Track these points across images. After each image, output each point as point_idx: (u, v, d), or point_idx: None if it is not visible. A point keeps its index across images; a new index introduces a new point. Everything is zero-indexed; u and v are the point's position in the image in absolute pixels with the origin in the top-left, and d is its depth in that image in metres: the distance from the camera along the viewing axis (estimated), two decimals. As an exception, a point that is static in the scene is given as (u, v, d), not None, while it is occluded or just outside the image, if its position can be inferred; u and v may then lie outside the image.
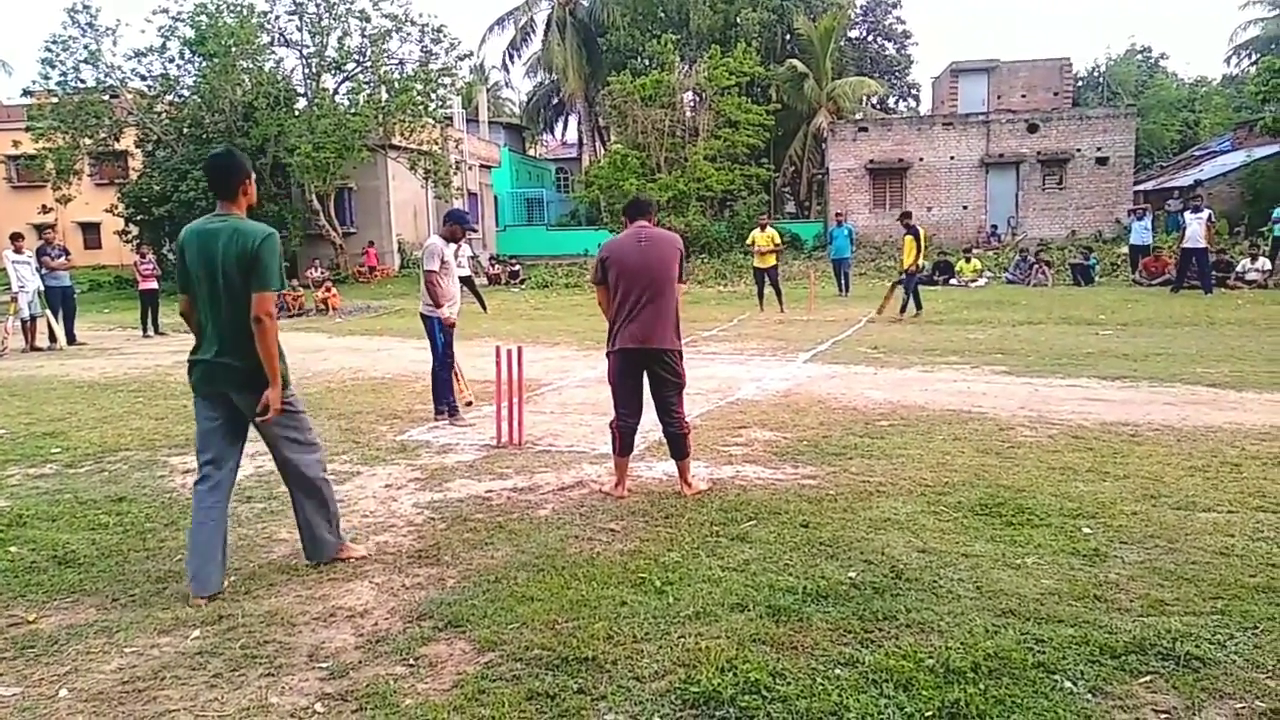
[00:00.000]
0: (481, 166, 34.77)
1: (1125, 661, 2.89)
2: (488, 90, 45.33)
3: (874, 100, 40.87)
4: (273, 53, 27.00)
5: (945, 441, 6.01)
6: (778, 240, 17.04)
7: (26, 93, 26.91)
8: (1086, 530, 4.15)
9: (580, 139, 46.82)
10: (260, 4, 26.15)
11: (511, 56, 45.04)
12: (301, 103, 27.07)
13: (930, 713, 2.61)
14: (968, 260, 22.33)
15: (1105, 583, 3.54)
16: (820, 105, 34.26)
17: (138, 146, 27.39)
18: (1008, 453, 5.67)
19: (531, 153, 50.96)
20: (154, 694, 2.88)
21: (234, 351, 3.65)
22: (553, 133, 53.68)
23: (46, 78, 25.14)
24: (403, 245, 29.94)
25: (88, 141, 25.43)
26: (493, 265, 28.70)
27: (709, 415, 7.08)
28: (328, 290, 20.63)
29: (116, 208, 26.82)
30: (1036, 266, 21.21)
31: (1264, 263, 18.18)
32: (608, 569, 3.80)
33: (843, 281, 19.43)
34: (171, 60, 26.02)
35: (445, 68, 27.44)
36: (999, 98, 32.76)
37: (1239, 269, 18.32)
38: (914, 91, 47.58)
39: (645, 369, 4.90)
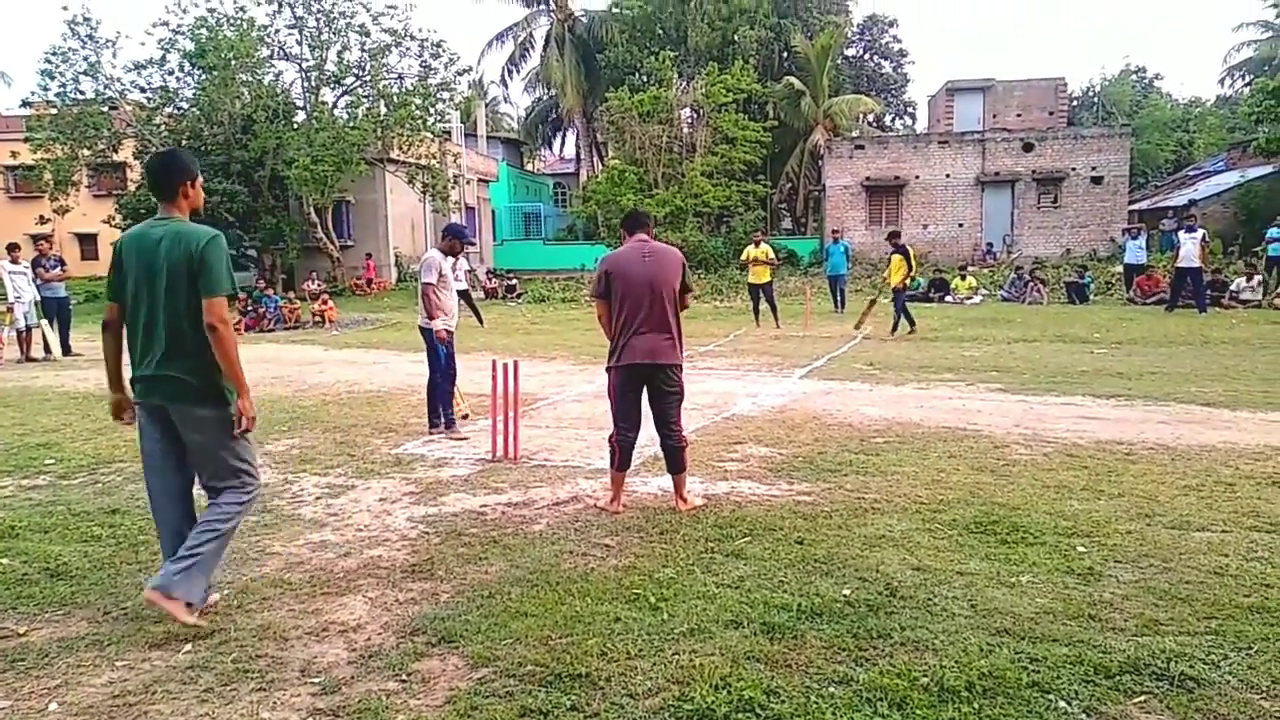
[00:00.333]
0: (479, 181, 34.87)
1: (1120, 681, 2.88)
2: (486, 105, 45.48)
3: (870, 118, 41.10)
4: (272, 66, 27.14)
5: (940, 459, 6.02)
6: (772, 256, 17.10)
7: (25, 103, 26.96)
8: (1081, 549, 4.15)
9: (578, 154, 46.97)
10: (260, 18, 26.32)
11: (510, 72, 45.23)
12: (300, 116, 27.16)
13: (924, 732, 2.61)
14: (963, 278, 22.41)
15: (1100, 602, 3.54)
16: (817, 122, 34.43)
17: (136, 158, 27.40)
18: (1003, 470, 5.67)
19: (529, 168, 51.10)
20: (145, 709, 2.87)
21: (172, 362, 3.42)
22: (551, 148, 53.85)
23: (45, 89, 25.18)
24: (400, 259, 29.98)
25: (86, 153, 25.46)
26: (490, 279, 28.73)
27: (704, 431, 7.08)
28: (324, 303, 20.63)
29: (114, 219, 26.82)
30: (1032, 284, 21.28)
31: (1259, 279, 18.29)
32: (602, 585, 3.79)
33: (838, 298, 19.47)
34: (171, 73, 26.13)
35: (444, 82, 27.57)
36: (994, 116, 32.96)
37: (1234, 288, 18.41)
38: (910, 110, 47.88)
39: (647, 383, 4.91)
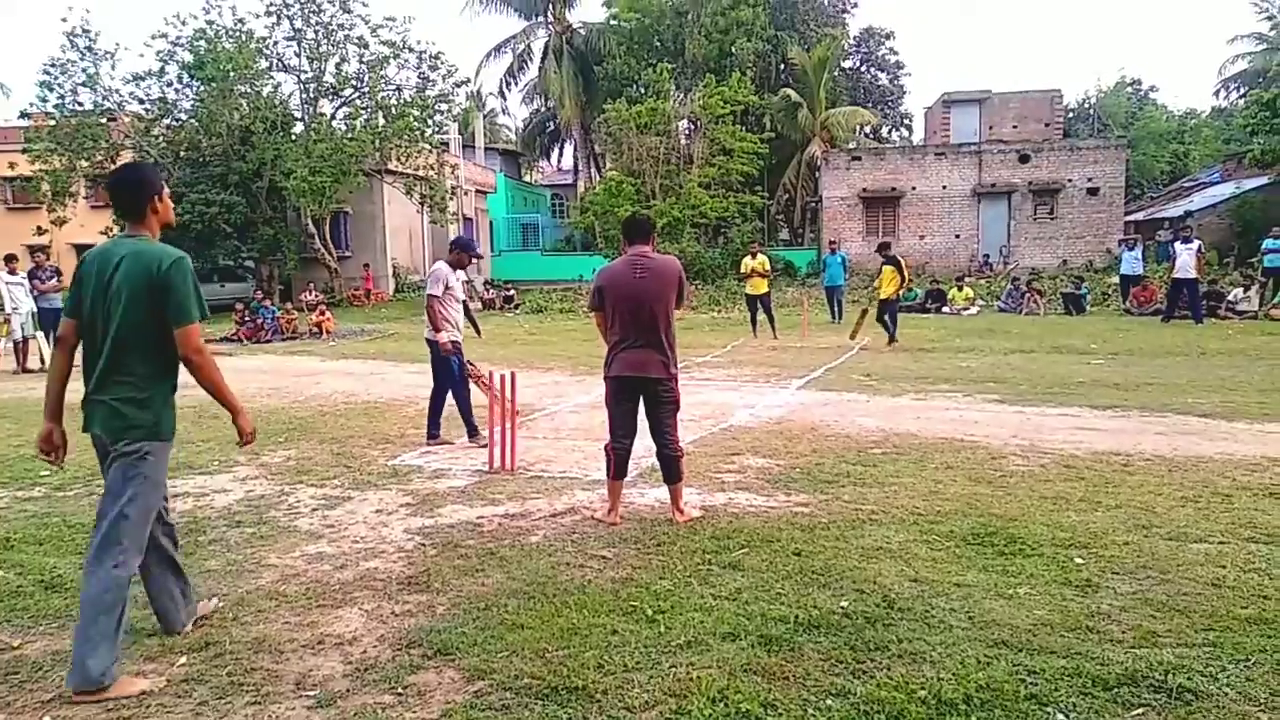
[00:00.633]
0: (477, 192, 34.94)
1: (1117, 694, 2.88)
2: (484, 116, 45.63)
3: (867, 130, 41.23)
4: (271, 78, 27.15)
5: (938, 470, 6.02)
6: (769, 267, 17.12)
7: (24, 115, 26.99)
8: (1078, 560, 4.14)
9: (576, 165, 47.04)
10: (259, 30, 26.40)
11: (508, 83, 45.33)
12: (299, 127, 27.20)
13: (922, 745, 2.60)
14: (960, 289, 22.43)
15: (1097, 614, 3.53)
16: (814, 134, 34.54)
17: (134, 169, 27.43)
18: (1000, 482, 5.67)
19: (527, 178, 51.22)
20: (139, 722, 2.85)
21: (107, 388, 3.19)
22: (548, 159, 54.00)
23: (44, 100, 25.20)
24: (398, 269, 30.00)
25: (84, 164, 25.45)
26: (487, 290, 28.74)
27: (702, 442, 7.07)
28: (322, 313, 20.61)
29: (112, 230, 26.77)
30: (1028, 295, 21.31)
31: (1256, 288, 18.35)
32: (599, 597, 3.78)
33: (836, 309, 19.50)
34: (170, 84, 26.14)
35: (442, 94, 27.64)
36: (991, 128, 33.06)
37: (1230, 298, 18.45)
38: (907, 121, 48.11)
39: (642, 393, 4.93)
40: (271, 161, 25.06)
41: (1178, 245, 17.36)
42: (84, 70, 25.21)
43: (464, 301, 7.66)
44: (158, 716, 2.88)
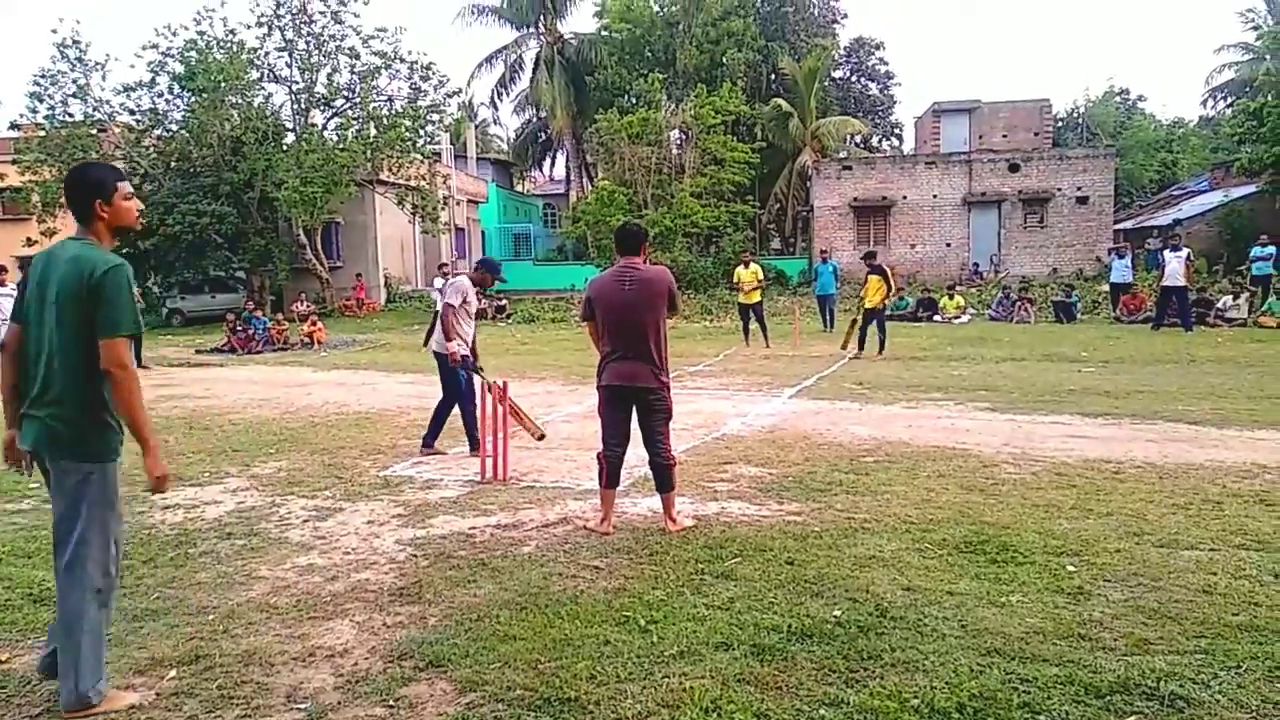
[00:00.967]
0: (469, 202, 34.97)
1: (1110, 701, 2.88)
2: (476, 127, 45.67)
3: (858, 139, 41.42)
4: (262, 88, 27.15)
5: (930, 478, 6.03)
6: (761, 276, 17.17)
7: (14, 126, 26.93)
8: (1070, 568, 4.15)
9: (568, 175, 47.12)
10: (250, 41, 26.38)
11: (500, 94, 45.40)
12: (290, 138, 27.17)
13: (915, 754, 2.59)
14: (951, 297, 22.52)
15: (1089, 621, 3.54)
16: (805, 144, 34.66)
17: (125, 180, 27.37)
18: (992, 490, 5.68)
19: (519, 188, 51.26)
20: (127, 736, 2.83)
21: (42, 403, 2.97)
22: (540, 169, 54.02)
23: (34, 111, 25.15)
24: (389, 280, 29.97)
25: (74, 175, 25.40)
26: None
27: (694, 451, 7.07)
28: (313, 324, 20.57)
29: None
30: (1019, 304, 21.40)
31: (1246, 295, 18.47)
32: (591, 607, 3.77)
33: (827, 317, 19.54)
34: (160, 95, 26.10)
35: (434, 104, 27.68)
36: (980, 137, 33.23)
37: (1219, 306, 18.56)
38: (897, 131, 48.27)
39: (633, 403, 4.93)
40: (263, 172, 25.03)
41: (1167, 253, 17.47)
42: (74, 81, 25.19)
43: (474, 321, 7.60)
44: (147, 730, 2.85)
